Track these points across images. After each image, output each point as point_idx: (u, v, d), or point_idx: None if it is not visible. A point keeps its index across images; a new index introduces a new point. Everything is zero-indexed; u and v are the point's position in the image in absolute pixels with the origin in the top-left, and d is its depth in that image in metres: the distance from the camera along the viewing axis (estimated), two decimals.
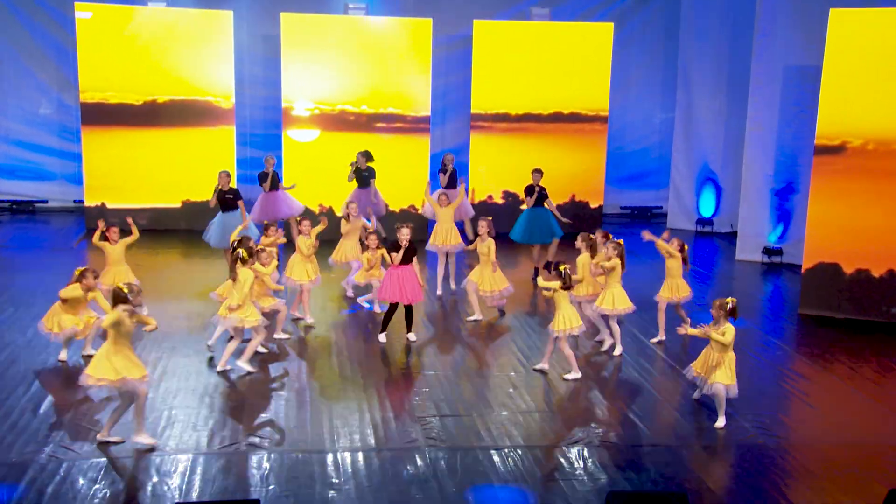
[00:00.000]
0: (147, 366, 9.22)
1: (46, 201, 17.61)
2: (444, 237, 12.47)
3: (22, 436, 7.64)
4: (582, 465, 7.45)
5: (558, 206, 13.72)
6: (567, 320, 9.15)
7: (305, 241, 10.89)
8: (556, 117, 16.73)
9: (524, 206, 13.19)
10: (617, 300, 9.89)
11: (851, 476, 7.43)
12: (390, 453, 7.54)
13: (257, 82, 17.18)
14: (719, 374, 8.19)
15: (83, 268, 9.24)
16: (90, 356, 8.63)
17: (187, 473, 7.07)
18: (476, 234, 11.59)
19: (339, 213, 12.60)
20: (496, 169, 16.42)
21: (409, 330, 10.47)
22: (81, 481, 6.90)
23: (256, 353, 9.59)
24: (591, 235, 10.37)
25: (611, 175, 17.62)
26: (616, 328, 10.10)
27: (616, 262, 9.82)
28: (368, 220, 12.49)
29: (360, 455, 7.48)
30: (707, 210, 17.33)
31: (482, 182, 16.23)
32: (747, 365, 9.64)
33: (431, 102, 16.19)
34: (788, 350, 10.91)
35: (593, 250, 10.21)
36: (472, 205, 15.01)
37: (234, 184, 13.32)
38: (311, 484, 6.99)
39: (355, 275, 11.52)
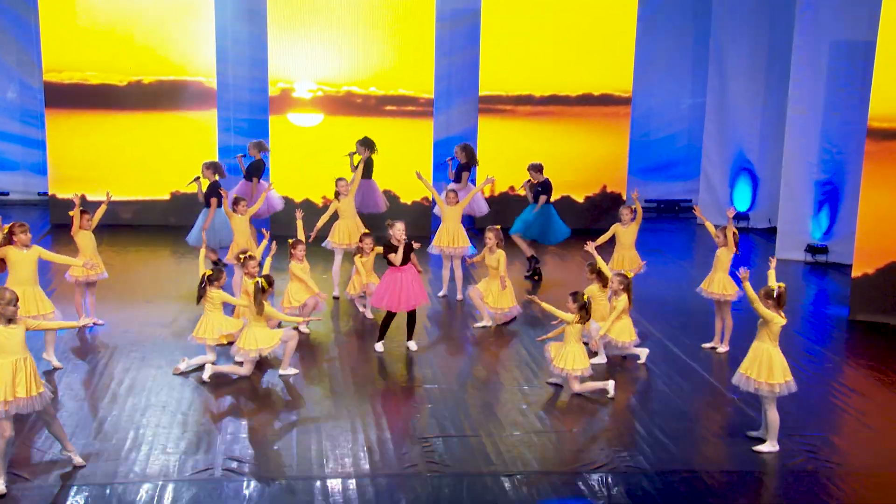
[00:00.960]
0: (112, 379, 9.11)
1: (7, 193, 17.44)
2: (451, 239, 12.16)
3: None
4: (606, 493, 7.33)
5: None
6: (572, 360, 9.03)
7: (298, 266, 10.72)
8: (580, 100, 16.58)
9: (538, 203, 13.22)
10: (623, 332, 9.96)
11: None
12: (387, 480, 7.45)
13: (242, 61, 16.91)
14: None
15: None
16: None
17: (154, 503, 6.93)
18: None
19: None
20: (507, 156, 16.11)
21: (409, 337, 10.38)
22: None
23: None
24: (597, 267, 10.33)
25: (634, 165, 17.52)
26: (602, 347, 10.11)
27: (623, 298, 9.86)
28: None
29: (353, 482, 7.38)
30: (742, 203, 17.21)
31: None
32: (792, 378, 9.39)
33: (435, 84, 15.95)
34: (839, 361, 10.79)
35: (602, 280, 10.27)
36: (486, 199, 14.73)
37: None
38: None
39: (349, 286, 11.34)
